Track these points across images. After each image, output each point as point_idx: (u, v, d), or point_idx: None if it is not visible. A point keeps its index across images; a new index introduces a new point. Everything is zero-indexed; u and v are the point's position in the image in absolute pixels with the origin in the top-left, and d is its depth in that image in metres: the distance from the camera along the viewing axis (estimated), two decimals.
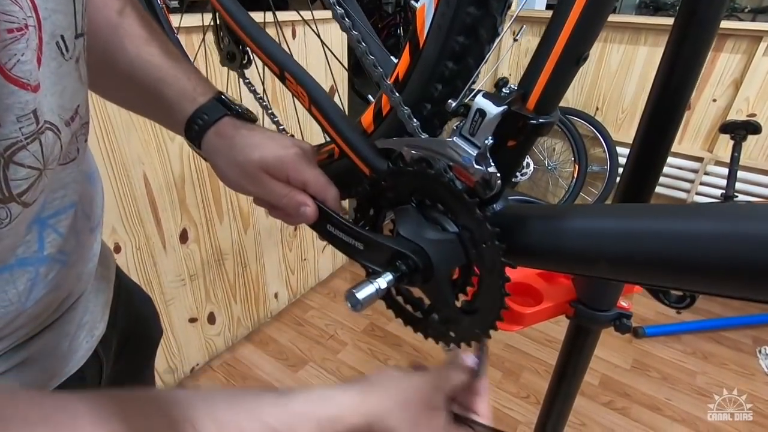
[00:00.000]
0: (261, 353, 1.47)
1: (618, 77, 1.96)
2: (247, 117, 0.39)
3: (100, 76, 0.38)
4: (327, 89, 0.42)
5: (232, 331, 1.46)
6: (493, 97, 0.27)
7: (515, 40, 0.42)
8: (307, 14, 1.13)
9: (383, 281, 0.30)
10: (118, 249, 1.05)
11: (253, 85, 0.50)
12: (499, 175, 0.28)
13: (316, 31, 1.19)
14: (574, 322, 0.58)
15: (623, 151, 2.02)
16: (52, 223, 0.31)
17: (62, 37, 0.27)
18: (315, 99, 0.36)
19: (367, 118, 0.37)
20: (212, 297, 1.35)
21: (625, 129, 2.05)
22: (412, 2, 0.31)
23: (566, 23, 0.24)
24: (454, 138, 0.28)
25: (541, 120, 0.27)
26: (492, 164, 0.28)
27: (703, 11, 0.37)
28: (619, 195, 0.49)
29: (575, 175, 2.08)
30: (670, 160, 1.95)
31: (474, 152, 0.28)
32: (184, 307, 1.28)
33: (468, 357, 0.40)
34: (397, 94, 0.32)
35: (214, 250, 1.30)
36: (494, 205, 0.32)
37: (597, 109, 2.08)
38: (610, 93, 2.03)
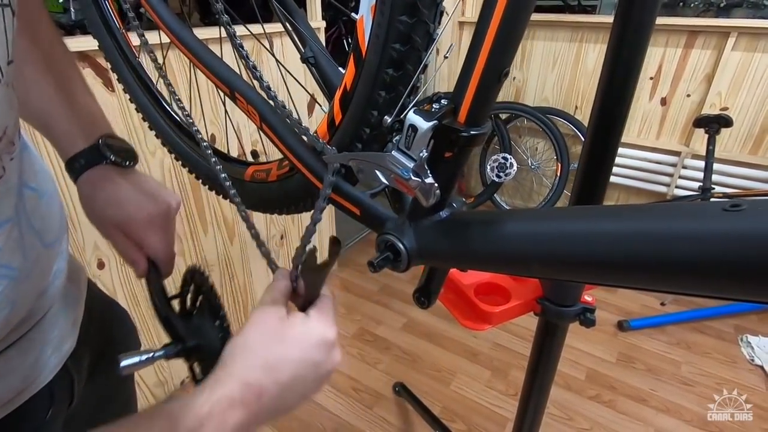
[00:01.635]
0: None
1: (595, 76, 2.00)
2: (123, 165, 0.43)
3: None
4: (307, 98, 0.43)
5: None
6: (425, 112, 0.29)
7: (446, 57, 0.44)
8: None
9: (152, 355, 0.36)
10: (102, 265, 1.05)
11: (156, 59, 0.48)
12: (436, 185, 0.30)
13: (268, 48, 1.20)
14: (541, 318, 0.60)
15: None
16: None
17: None
18: (265, 117, 0.38)
19: (322, 128, 0.39)
20: None
21: None
22: (353, 15, 0.32)
23: (485, 42, 0.26)
24: (393, 152, 0.30)
25: (472, 132, 0.29)
26: (429, 175, 0.30)
27: (637, 10, 0.39)
28: (575, 190, 0.51)
29: (558, 174, 2.11)
30: (648, 155, 1.99)
31: (411, 164, 0.29)
32: None
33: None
34: (331, 148, 0.33)
35: (200, 261, 1.31)
36: (440, 213, 0.34)
37: (576, 107, 2.12)
38: (589, 92, 2.07)
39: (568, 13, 3.20)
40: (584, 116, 2.11)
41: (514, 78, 2.23)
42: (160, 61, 0.52)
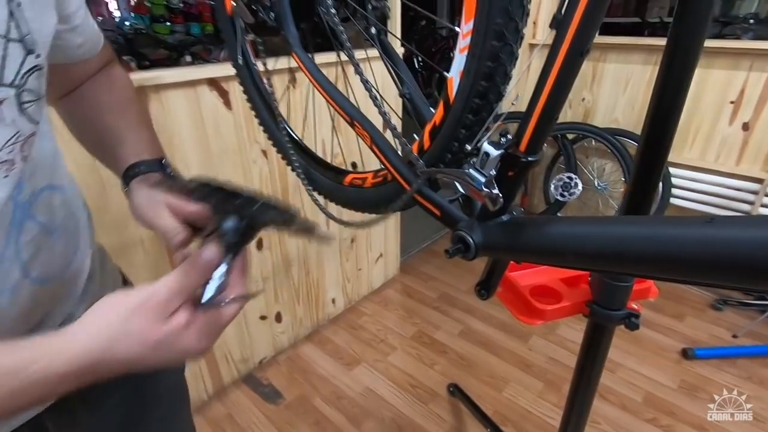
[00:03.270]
0: (320, 352, 1.63)
1: None
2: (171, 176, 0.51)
3: (72, 119, 0.54)
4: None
5: (295, 330, 1.65)
6: (495, 143, 0.40)
7: (512, 104, 0.55)
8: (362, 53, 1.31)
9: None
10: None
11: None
12: (501, 195, 0.41)
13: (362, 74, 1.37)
14: (590, 320, 0.68)
15: (676, 172, 2.01)
16: None
17: None
18: (375, 140, 0.51)
19: (416, 148, 0.51)
20: (279, 298, 1.54)
21: (677, 149, 2.04)
22: (456, 28, 0.44)
23: (542, 96, 0.37)
24: (470, 170, 0.42)
25: (529, 159, 0.40)
26: (496, 188, 0.41)
27: (686, 32, 0.47)
28: (623, 204, 0.60)
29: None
30: (727, 181, 1.91)
31: (483, 179, 0.41)
32: (256, 306, 1.47)
33: (205, 250, 0.36)
34: (422, 163, 0.46)
35: (282, 256, 1.50)
36: (502, 217, 0.45)
37: None
38: None
39: (647, 30, 3.12)
40: None
41: (584, 99, 2.25)
42: (281, 90, 0.68)
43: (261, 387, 1.48)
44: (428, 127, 0.48)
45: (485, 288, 0.62)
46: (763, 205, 1.84)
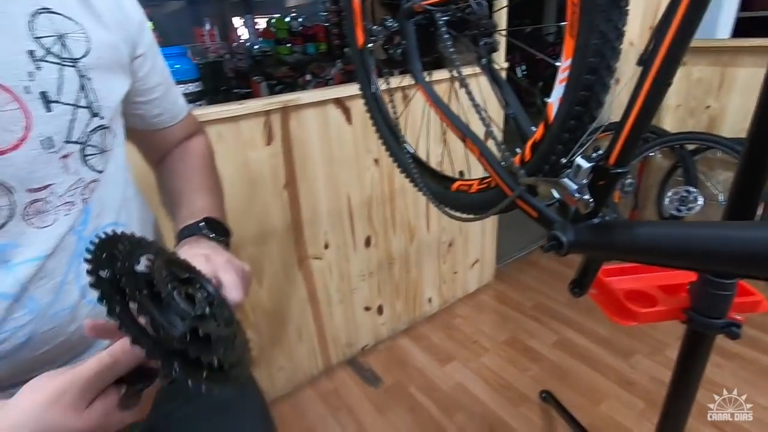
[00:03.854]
0: (415, 346, 1.76)
1: None
2: (213, 238, 0.53)
3: (159, 185, 0.64)
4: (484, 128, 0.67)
5: (393, 323, 1.80)
6: (587, 157, 0.49)
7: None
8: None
9: None
10: (327, 245, 1.47)
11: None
12: (591, 200, 0.49)
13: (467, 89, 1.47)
14: (688, 327, 0.70)
15: None
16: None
17: (48, 138, 0.40)
18: (483, 153, 0.62)
19: (518, 159, 0.61)
20: (382, 293, 1.70)
21: None
22: (557, 63, 0.53)
23: (631, 115, 0.45)
24: (565, 179, 0.50)
25: (618, 171, 0.48)
26: (587, 194, 0.49)
27: None
28: (727, 209, 0.62)
29: (759, 213, 1.87)
30: None
31: (575, 187, 0.49)
32: (362, 297, 1.65)
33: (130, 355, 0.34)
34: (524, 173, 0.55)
35: (386, 254, 1.65)
36: (593, 219, 0.53)
37: None
38: None
39: None
40: None
41: (708, 107, 2.07)
42: (400, 109, 0.82)
43: (363, 371, 1.65)
44: (530, 143, 0.58)
45: (578, 286, 0.69)
46: None
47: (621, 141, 0.46)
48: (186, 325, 0.34)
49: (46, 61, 0.41)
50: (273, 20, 5.70)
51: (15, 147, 0.39)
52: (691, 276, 0.69)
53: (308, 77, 3.94)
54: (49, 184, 0.43)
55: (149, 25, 0.56)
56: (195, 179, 0.61)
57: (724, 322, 0.66)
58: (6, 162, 0.38)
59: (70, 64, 0.43)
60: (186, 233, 0.53)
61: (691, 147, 2.10)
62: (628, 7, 0.44)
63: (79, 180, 0.46)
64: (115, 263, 0.33)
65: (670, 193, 2.12)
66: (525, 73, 5.13)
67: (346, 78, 4.08)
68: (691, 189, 2.02)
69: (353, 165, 1.43)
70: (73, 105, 0.43)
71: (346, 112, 1.35)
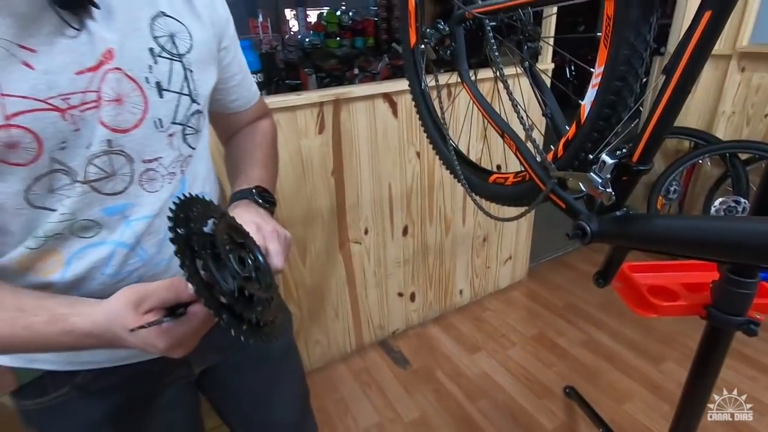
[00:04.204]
0: (445, 335, 1.83)
1: None
2: (261, 204, 0.61)
3: (226, 160, 0.72)
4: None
5: (425, 311, 1.87)
6: (612, 153, 0.54)
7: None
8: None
9: None
10: (366, 231, 1.56)
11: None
12: (614, 194, 0.55)
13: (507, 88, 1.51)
14: (708, 323, 0.73)
15: None
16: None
17: (159, 119, 0.50)
18: (519, 148, 0.68)
19: (549, 156, 0.67)
20: (415, 281, 1.78)
21: None
22: (592, 69, 0.59)
23: (651, 123, 0.51)
24: (590, 174, 0.56)
25: (639, 168, 0.53)
26: (610, 188, 0.55)
27: None
28: (754, 203, 0.65)
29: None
30: None
31: (600, 180, 0.55)
32: (396, 283, 1.74)
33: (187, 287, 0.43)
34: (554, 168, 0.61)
35: (422, 244, 1.73)
36: (616, 212, 0.58)
37: None
38: None
39: None
40: None
41: (767, 115, 2.00)
42: (446, 105, 0.89)
43: (393, 352, 1.74)
44: (563, 140, 0.64)
45: (602, 277, 0.74)
46: None
47: (644, 141, 0.52)
48: (235, 284, 0.41)
49: (161, 57, 0.50)
50: (324, 14, 5.86)
51: (136, 126, 0.48)
52: (714, 275, 0.72)
53: (356, 71, 4.04)
54: (158, 157, 0.52)
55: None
56: (256, 153, 0.70)
57: (743, 319, 0.69)
58: (129, 138, 0.48)
59: (178, 59, 0.52)
60: (239, 196, 0.61)
61: (744, 156, 2.03)
62: (655, 23, 0.49)
63: (180, 155, 0.55)
64: (189, 223, 0.41)
65: (717, 203, 2.06)
66: (574, 72, 5.02)
67: (393, 72, 4.16)
68: (741, 199, 1.96)
69: (396, 156, 1.51)
70: (178, 93, 0.52)
71: (393, 106, 1.43)
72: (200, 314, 0.43)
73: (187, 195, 0.45)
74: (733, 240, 0.42)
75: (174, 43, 0.52)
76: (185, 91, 0.53)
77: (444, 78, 0.91)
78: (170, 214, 0.40)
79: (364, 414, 1.48)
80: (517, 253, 2.07)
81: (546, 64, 1.64)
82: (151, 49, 0.49)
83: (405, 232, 1.66)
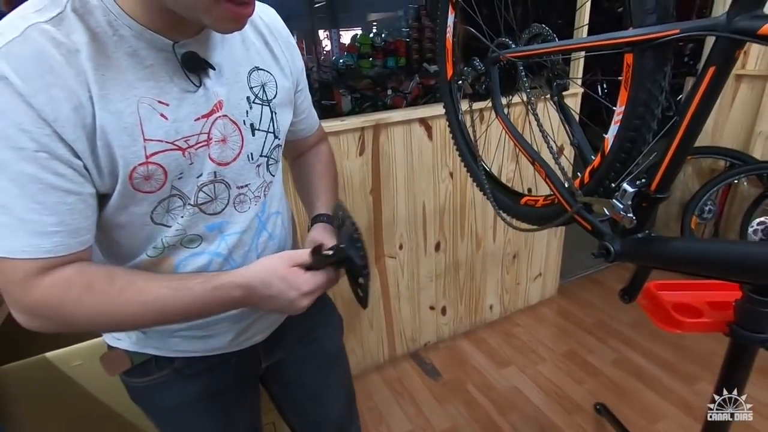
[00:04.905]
0: (474, 348, 1.88)
1: None
2: (329, 222, 0.74)
3: (295, 176, 0.85)
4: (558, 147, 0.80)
5: (455, 325, 1.93)
6: (633, 182, 0.61)
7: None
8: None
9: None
10: (401, 246, 1.65)
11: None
12: (634, 218, 0.62)
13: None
14: (731, 340, 0.77)
15: None
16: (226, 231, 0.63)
17: (251, 153, 0.61)
18: (549, 174, 0.76)
19: (576, 183, 0.74)
20: (447, 295, 1.85)
21: None
22: (614, 107, 0.66)
23: (667, 156, 0.57)
24: (613, 200, 0.63)
25: (657, 196, 0.60)
26: (631, 213, 0.62)
27: None
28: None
29: None
30: None
31: (622, 207, 0.62)
32: (428, 297, 1.81)
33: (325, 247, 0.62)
34: (581, 193, 0.69)
35: (453, 260, 1.80)
36: (638, 234, 0.65)
37: None
38: None
39: None
40: None
41: None
42: (480, 131, 0.97)
43: (424, 364, 1.81)
44: (589, 168, 0.71)
45: (628, 294, 0.80)
46: None
47: (661, 172, 0.59)
48: (363, 261, 0.62)
49: (255, 103, 0.61)
50: (358, 36, 6.08)
51: (234, 159, 0.59)
52: (737, 294, 0.77)
53: (389, 91, 4.18)
54: (248, 184, 0.63)
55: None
56: (326, 178, 0.83)
57: (765, 336, 0.73)
58: (229, 169, 0.59)
59: (267, 104, 0.62)
60: (324, 219, 0.75)
61: None
62: (669, 71, 0.56)
63: (264, 181, 0.66)
64: (345, 220, 0.67)
65: (755, 223, 2.04)
66: (606, 90, 5.01)
67: (424, 91, 4.28)
68: None
69: (430, 176, 1.60)
70: (266, 131, 0.63)
71: (428, 130, 1.53)
72: (335, 275, 0.62)
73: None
74: (744, 263, 0.49)
75: (264, 91, 0.63)
76: (271, 129, 0.64)
77: (479, 104, 1.00)
78: (347, 211, 0.67)
79: (396, 422, 1.55)
80: (548, 270, 2.10)
81: (575, 89, 1.70)
82: (248, 98, 0.60)
83: (437, 248, 1.74)
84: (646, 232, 0.65)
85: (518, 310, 2.09)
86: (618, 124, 0.63)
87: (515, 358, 1.80)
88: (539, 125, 0.76)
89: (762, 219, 2.00)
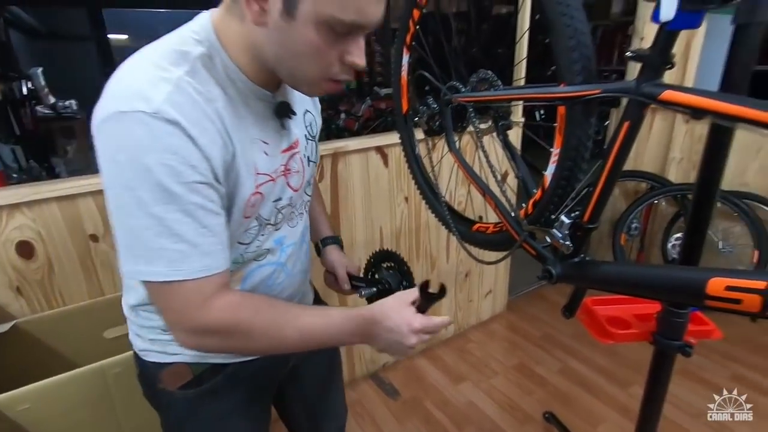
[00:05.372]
0: (432, 366, 1.94)
1: None
2: (340, 246, 0.97)
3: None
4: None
5: None
6: (568, 214, 0.71)
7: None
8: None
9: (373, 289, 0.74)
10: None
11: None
12: (571, 245, 0.71)
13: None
14: (654, 347, 0.89)
15: None
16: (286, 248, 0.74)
17: (308, 180, 0.75)
18: (498, 205, 0.84)
19: (521, 213, 0.83)
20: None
21: None
22: (551, 149, 0.76)
23: (594, 194, 0.67)
24: (553, 230, 0.72)
25: (589, 226, 0.69)
26: (568, 241, 0.71)
27: None
28: (682, 255, 0.82)
29: (755, 261, 2.03)
30: None
31: (560, 236, 0.71)
32: None
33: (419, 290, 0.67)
34: (526, 223, 0.78)
35: None
36: (575, 259, 0.74)
37: None
38: None
39: None
40: None
41: None
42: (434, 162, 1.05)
43: (383, 384, 1.84)
44: (532, 200, 0.80)
45: (568, 310, 0.90)
46: None
47: (591, 206, 0.68)
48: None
49: (308, 139, 0.73)
50: None
51: (300, 186, 0.72)
52: (658, 307, 0.89)
53: (341, 114, 4.26)
54: (297, 203, 0.74)
55: None
56: (320, 202, 1.00)
57: (680, 343, 0.85)
58: (297, 194, 0.72)
59: (313, 139, 0.76)
60: (331, 241, 0.96)
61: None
62: (594, 120, 0.67)
63: (305, 201, 0.79)
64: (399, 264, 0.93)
65: (673, 239, 2.30)
66: (543, 116, 5.40)
67: (375, 114, 4.40)
68: None
69: (386, 201, 1.67)
70: (314, 162, 0.77)
71: (384, 157, 1.60)
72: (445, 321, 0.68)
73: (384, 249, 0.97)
74: (654, 284, 0.58)
75: (312, 128, 0.76)
76: (314, 159, 0.78)
77: (432, 142, 1.09)
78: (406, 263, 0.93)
79: None
80: (497, 287, 2.22)
81: (518, 117, 1.85)
82: (305, 135, 0.73)
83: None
84: (582, 256, 0.74)
85: (471, 327, 2.18)
86: (555, 164, 0.72)
87: (470, 373, 1.88)
88: (488, 161, 0.85)
89: (678, 235, 2.26)
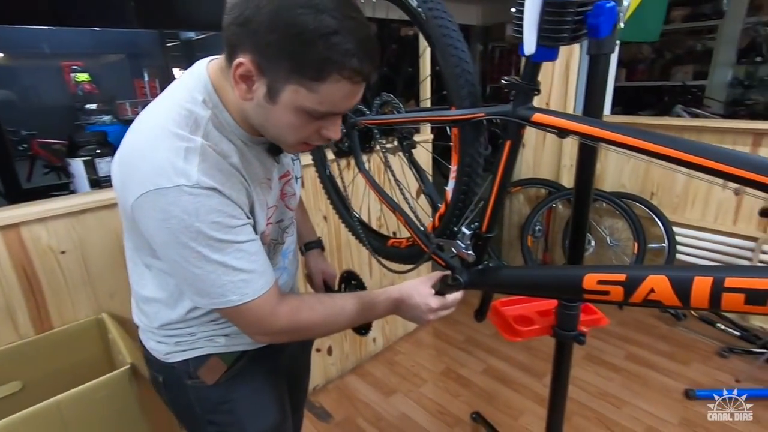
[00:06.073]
0: (362, 383, 1.94)
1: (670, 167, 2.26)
2: (322, 250, 1.11)
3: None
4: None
5: (342, 363, 1.97)
6: (469, 226, 0.77)
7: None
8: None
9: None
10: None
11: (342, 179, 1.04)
12: (473, 254, 0.77)
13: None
14: (555, 339, 0.98)
15: (682, 231, 2.26)
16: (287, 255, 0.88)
17: (300, 197, 0.89)
18: (408, 221, 0.89)
19: (429, 227, 0.88)
20: (331, 335, 1.88)
21: (680, 211, 2.30)
22: (450, 166, 0.82)
23: (488, 208, 0.74)
24: (457, 241, 0.78)
25: (488, 235, 0.76)
26: (471, 250, 0.77)
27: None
28: (567, 254, 0.92)
29: (635, 252, 2.33)
30: (726, 239, 2.14)
31: (463, 246, 0.77)
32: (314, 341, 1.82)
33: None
34: (433, 236, 0.83)
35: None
36: (479, 266, 0.80)
37: (652, 194, 2.37)
38: (663, 181, 2.33)
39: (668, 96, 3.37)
40: (660, 201, 2.35)
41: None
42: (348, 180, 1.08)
43: (315, 408, 1.79)
44: (438, 214, 0.85)
45: (479, 313, 0.96)
46: (760, 261, 2.04)
47: (487, 216, 0.75)
48: None
49: (294, 160, 0.83)
50: None
51: (295, 207, 0.85)
52: (555, 303, 0.98)
53: None
54: (290, 217, 0.85)
55: None
56: (303, 211, 1.10)
57: (575, 333, 0.95)
58: (293, 213, 0.85)
59: (298, 159, 0.86)
60: (314, 246, 1.10)
61: None
62: (484, 140, 0.74)
63: (290, 216, 0.86)
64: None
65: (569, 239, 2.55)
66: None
67: None
68: (589, 236, 2.46)
69: (322, 217, 1.65)
70: (300, 177, 0.87)
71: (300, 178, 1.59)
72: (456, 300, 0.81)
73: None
74: (544, 284, 0.65)
75: (297, 169, 0.85)
76: (299, 175, 0.87)
77: (344, 163, 1.11)
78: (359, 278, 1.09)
79: None
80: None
81: (426, 135, 1.96)
82: (295, 177, 0.84)
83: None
84: (486, 263, 0.80)
85: (399, 339, 2.23)
86: (453, 179, 0.78)
87: (400, 384, 1.91)
88: (395, 179, 0.89)
89: None
